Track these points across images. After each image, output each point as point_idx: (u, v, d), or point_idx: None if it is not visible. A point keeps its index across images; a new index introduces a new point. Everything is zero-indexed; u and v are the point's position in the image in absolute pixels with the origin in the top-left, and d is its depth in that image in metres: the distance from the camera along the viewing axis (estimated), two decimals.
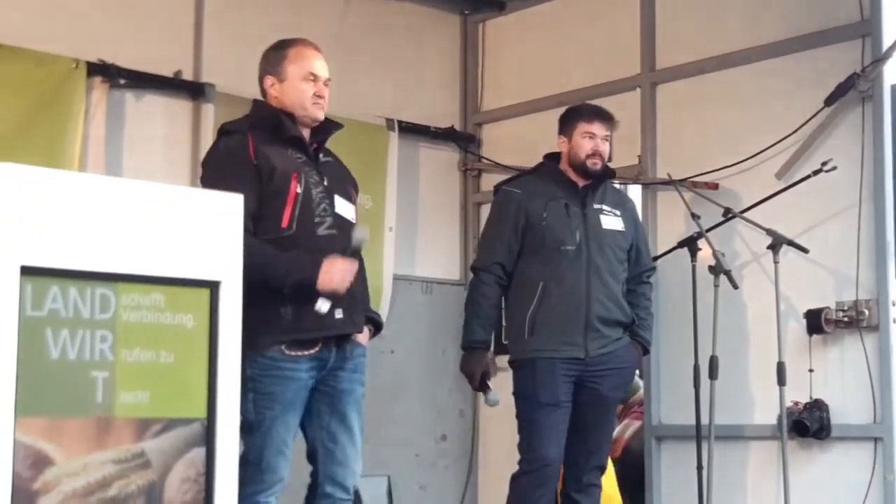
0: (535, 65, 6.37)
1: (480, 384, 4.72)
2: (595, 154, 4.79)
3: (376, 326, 4.18)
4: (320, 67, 4.06)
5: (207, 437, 2.19)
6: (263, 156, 3.84)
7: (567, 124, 4.88)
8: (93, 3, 5.22)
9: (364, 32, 6.18)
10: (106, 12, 5.24)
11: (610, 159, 4.89)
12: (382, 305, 5.98)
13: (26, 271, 2.01)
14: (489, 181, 6.40)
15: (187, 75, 5.46)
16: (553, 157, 4.91)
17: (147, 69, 5.30)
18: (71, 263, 2.11)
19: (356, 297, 4.00)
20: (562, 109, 6.12)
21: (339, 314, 3.88)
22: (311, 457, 4.00)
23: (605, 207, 4.82)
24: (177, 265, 2.22)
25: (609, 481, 5.71)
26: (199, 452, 2.18)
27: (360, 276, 4.05)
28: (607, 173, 4.90)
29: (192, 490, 2.17)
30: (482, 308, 4.77)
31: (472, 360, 4.73)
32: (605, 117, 4.88)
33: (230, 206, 2.34)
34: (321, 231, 3.87)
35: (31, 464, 1.99)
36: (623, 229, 4.82)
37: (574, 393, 4.72)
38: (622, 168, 5.85)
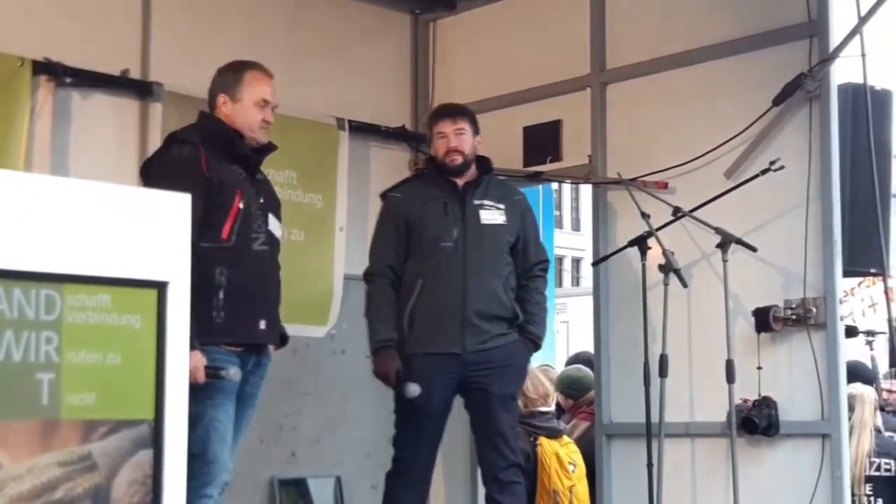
0: (485, 64, 6.37)
1: (396, 381, 4.74)
2: (449, 151, 4.84)
3: (283, 340, 4.42)
4: (272, 94, 4.30)
5: (155, 439, 2.16)
6: (214, 169, 4.05)
7: (429, 131, 4.99)
8: (38, 0, 5.15)
9: (315, 31, 6.16)
10: (52, 10, 5.17)
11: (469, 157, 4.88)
12: (333, 305, 5.96)
13: None
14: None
15: (135, 74, 5.40)
16: (435, 160, 4.96)
17: (94, 68, 5.23)
18: (15, 264, 2.08)
19: (276, 311, 4.26)
20: (512, 108, 6.19)
21: (262, 325, 4.16)
22: None
23: (486, 202, 4.86)
24: (123, 266, 2.20)
25: (581, 487, 5.79)
26: (146, 454, 2.16)
27: (280, 290, 4.31)
28: (482, 168, 4.93)
29: (139, 492, 2.14)
30: (382, 310, 4.83)
31: (385, 360, 4.77)
32: (450, 113, 4.93)
33: (177, 206, 2.31)
34: (256, 246, 4.12)
35: None
36: (505, 222, 4.85)
37: (463, 395, 4.78)
38: (572, 168, 5.90)
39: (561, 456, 5.88)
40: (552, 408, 6.22)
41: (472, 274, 4.73)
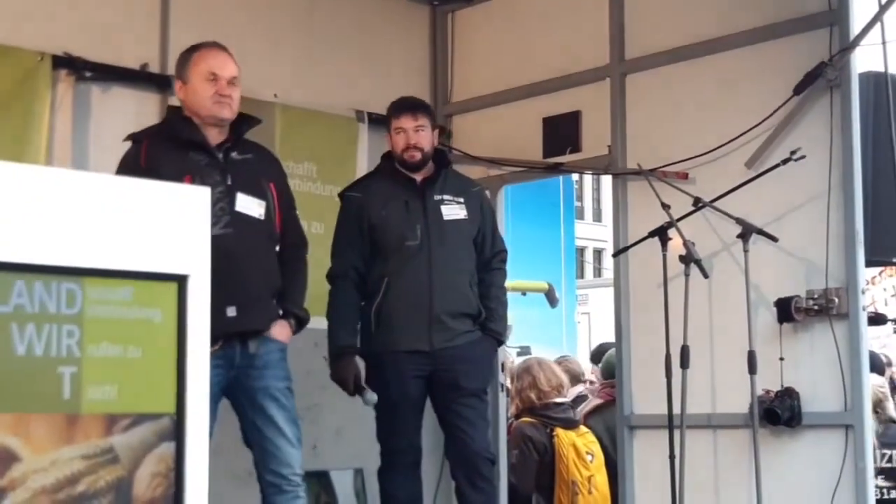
0: (504, 55, 6.36)
1: (355, 388, 4.68)
2: (408, 147, 4.79)
3: (299, 321, 4.26)
4: (221, 66, 4.15)
5: (177, 432, 2.17)
6: (155, 160, 3.95)
7: (387, 124, 4.91)
8: None
9: (333, 24, 6.16)
10: (71, 4, 5.19)
11: (428, 151, 4.82)
12: None
13: None
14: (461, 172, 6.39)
15: (154, 68, 5.41)
16: (392, 156, 4.91)
17: (113, 62, 5.26)
18: (37, 258, 2.08)
19: (253, 296, 4.07)
20: (531, 99, 6.18)
21: (231, 312, 3.96)
22: (251, 449, 4.15)
23: (446, 197, 4.82)
24: (144, 259, 2.20)
25: (600, 477, 5.78)
26: (168, 447, 2.16)
27: (271, 274, 4.17)
28: (441, 163, 4.90)
29: (162, 485, 2.15)
30: (345, 314, 4.77)
31: (343, 366, 4.71)
32: (411, 108, 4.86)
33: (197, 200, 2.32)
34: (215, 231, 3.99)
35: None
36: (466, 217, 4.83)
37: (431, 391, 4.75)
38: (592, 159, 5.88)
39: (578, 446, 5.89)
40: (567, 399, 6.23)
41: (437, 272, 4.71)
